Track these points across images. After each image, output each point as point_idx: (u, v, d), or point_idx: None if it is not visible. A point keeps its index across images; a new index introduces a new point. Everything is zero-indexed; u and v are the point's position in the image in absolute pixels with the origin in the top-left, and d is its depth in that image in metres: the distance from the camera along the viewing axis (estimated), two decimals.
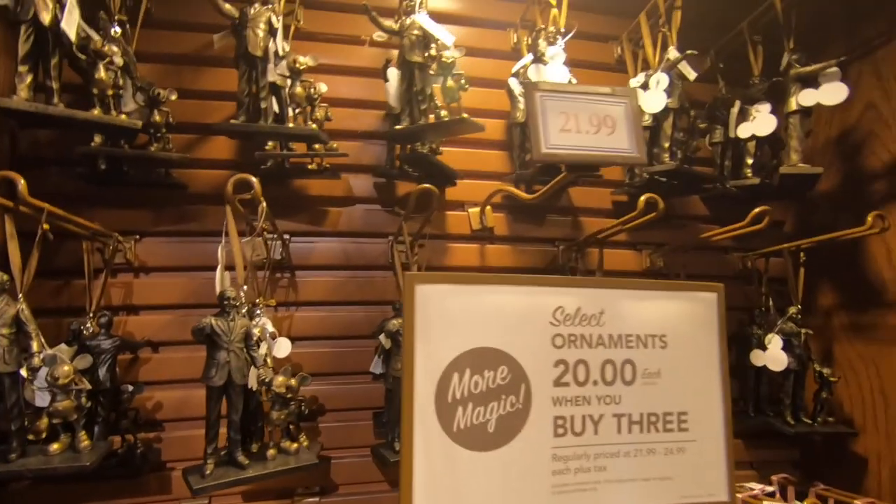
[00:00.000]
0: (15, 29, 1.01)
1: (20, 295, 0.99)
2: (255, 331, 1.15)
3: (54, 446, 1.01)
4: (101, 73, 1.09)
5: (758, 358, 1.57)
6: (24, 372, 0.98)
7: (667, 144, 1.53)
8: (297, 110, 1.30)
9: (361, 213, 1.57)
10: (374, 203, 1.58)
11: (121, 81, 1.16)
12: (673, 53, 1.46)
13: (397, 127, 1.30)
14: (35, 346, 0.99)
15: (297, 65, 1.23)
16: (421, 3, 1.31)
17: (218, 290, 1.10)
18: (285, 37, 1.39)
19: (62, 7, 1.03)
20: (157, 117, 1.32)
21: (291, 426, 1.23)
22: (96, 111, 1.09)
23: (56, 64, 1.05)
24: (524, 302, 0.94)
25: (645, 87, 1.50)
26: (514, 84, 1.53)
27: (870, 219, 1.38)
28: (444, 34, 1.26)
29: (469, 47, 1.60)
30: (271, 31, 1.22)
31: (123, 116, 1.14)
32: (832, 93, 1.42)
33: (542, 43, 1.41)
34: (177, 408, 1.39)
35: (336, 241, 1.56)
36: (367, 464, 1.47)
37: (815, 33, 1.58)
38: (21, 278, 0.99)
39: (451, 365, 0.89)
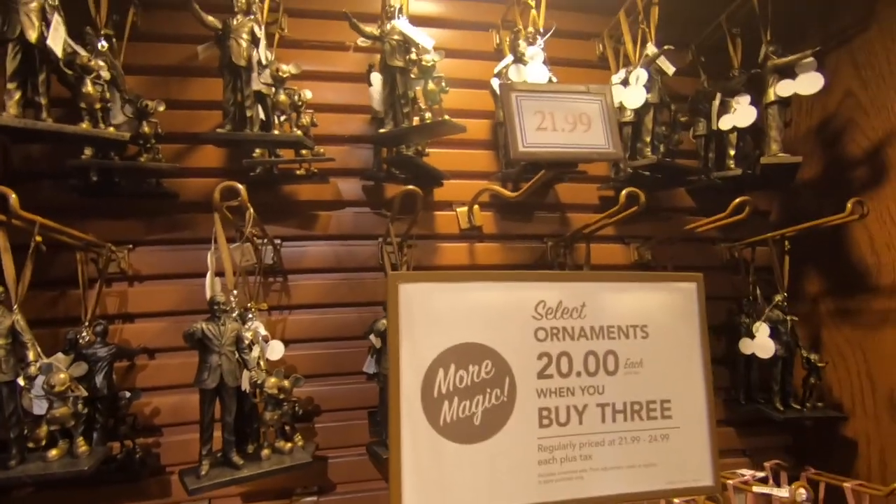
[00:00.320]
0: (2, 47, 1.03)
1: (15, 306, 1.01)
2: (248, 334, 1.17)
3: (53, 452, 1.03)
4: (89, 87, 1.12)
5: (746, 346, 1.60)
6: (21, 381, 1.01)
7: (648, 139, 1.56)
8: (282, 118, 1.33)
9: (351, 217, 1.60)
10: (363, 206, 1.61)
11: (108, 95, 1.19)
12: (651, 49, 1.48)
13: (381, 130, 1.33)
14: (31, 355, 1.01)
15: (281, 73, 1.25)
16: (401, 9, 1.33)
17: (208, 295, 1.12)
18: (270, 45, 1.42)
19: (48, 24, 1.05)
20: (146, 129, 1.35)
21: (287, 427, 1.26)
22: (85, 125, 1.12)
23: (44, 80, 1.08)
24: (506, 297, 0.96)
25: (625, 83, 1.53)
26: (497, 85, 1.55)
27: (849, 205, 1.41)
28: (424, 38, 1.28)
29: (452, 49, 1.63)
30: (254, 41, 1.24)
31: (111, 129, 1.16)
32: (808, 82, 1.45)
33: (521, 43, 1.44)
34: (174, 412, 1.42)
35: (327, 244, 1.58)
36: (364, 462, 1.50)
37: (792, 24, 1.61)
38: (15, 290, 1.01)
39: (436, 361, 0.91)
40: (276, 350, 1.29)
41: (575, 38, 1.77)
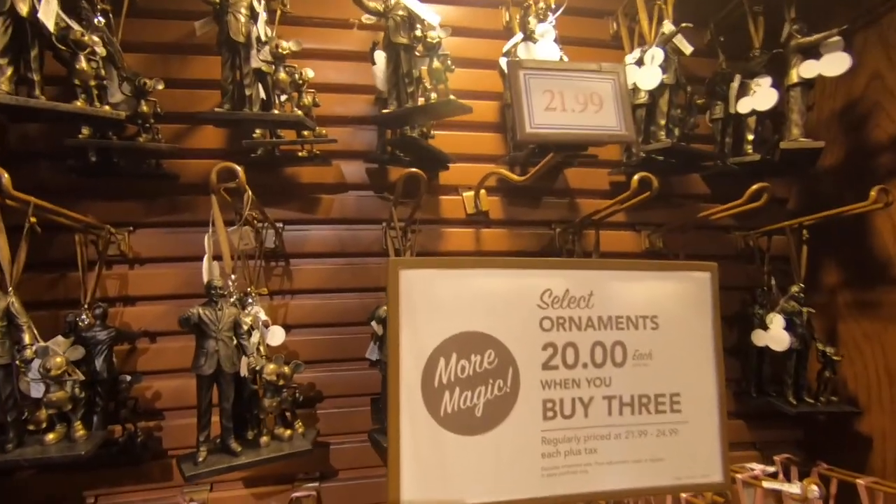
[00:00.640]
0: None
1: (10, 288, 0.99)
2: (248, 319, 1.15)
3: (50, 436, 1.02)
4: (83, 63, 1.09)
5: (759, 338, 1.55)
6: (18, 362, 0.99)
7: (663, 122, 1.49)
8: (283, 97, 1.29)
9: (354, 200, 1.56)
10: (367, 189, 1.57)
11: (103, 72, 1.15)
12: (668, 27, 1.41)
13: (385, 111, 1.28)
14: (27, 338, 0.99)
15: (280, 50, 1.21)
16: None
17: (205, 279, 1.10)
18: (271, 22, 1.37)
19: None
20: (144, 108, 1.31)
21: (287, 413, 1.24)
22: (79, 102, 1.09)
23: (36, 56, 1.04)
24: (511, 285, 0.93)
25: (640, 63, 1.47)
26: (505, 64, 1.49)
27: (873, 193, 1.34)
28: (430, 14, 1.23)
29: (459, 27, 1.58)
30: (253, 16, 1.19)
31: (107, 107, 1.13)
32: (834, 63, 1.38)
33: (531, 20, 1.38)
34: (175, 396, 1.41)
35: (329, 228, 1.55)
36: (366, 449, 1.48)
37: (818, 2, 1.52)
38: (10, 271, 0.99)
39: (437, 350, 0.88)
40: (276, 335, 1.27)
41: (587, 15, 1.70)
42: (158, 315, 1.42)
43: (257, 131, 1.36)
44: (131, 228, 1.43)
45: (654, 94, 1.50)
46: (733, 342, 1.69)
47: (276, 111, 1.24)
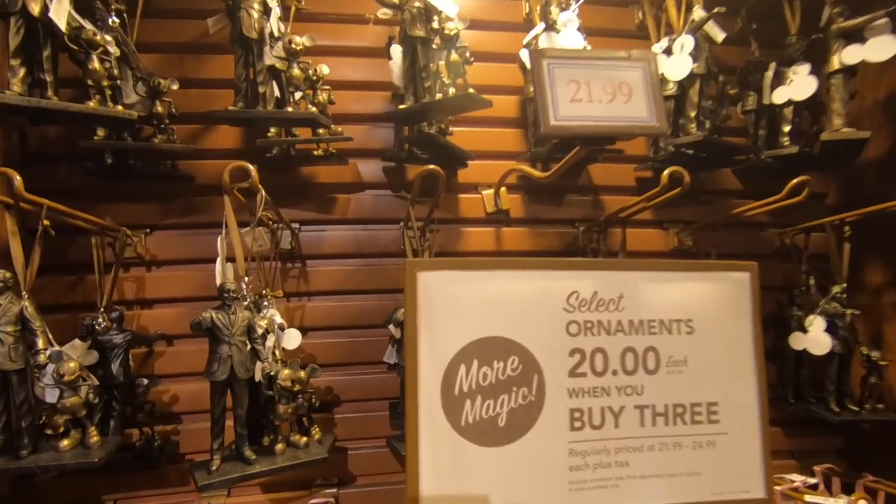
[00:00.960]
0: (5, 22, 0.99)
1: (24, 292, 0.98)
2: (263, 322, 1.12)
3: (64, 442, 1.01)
4: (95, 63, 1.07)
5: (798, 341, 1.47)
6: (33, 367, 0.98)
7: (693, 114, 1.42)
8: (298, 94, 1.26)
9: (371, 199, 1.53)
10: (384, 188, 1.53)
11: (117, 72, 1.14)
12: (698, 13, 1.34)
13: (401, 106, 1.24)
14: (41, 342, 0.98)
15: (294, 45, 1.18)
16: None
17: (218, 282, 1.07)
18: (286, 19, 1.34)
19: None
20: (159, 108, 1.30)
21: (304, 419, 1.21)
22: (92, 103, 1.07)
23: (49, 56, 1.03)
24: (535, 287, 0.87)
25: (668, 52, 1.40)
26: (526, 56, 1.44)
27: None
28: (447, 5, 1.18)
29: (478, 20, 1.53)
30: (266, 12, 1.17)
31: (119, 107, 1.11)
32: (880, 48, 1.28)
33: (553, 9, 1.32)
34: (193, 400, 1.39)
35: (346, 228, 1.52)
36: (385, 455, 1.44)
37: None
38: (24, 275, 0.98)
39: (458, 356, 0.84)
40: (292, 338, 1.24)
41: (611, 4, 1.63)
42: (175, 318, 1.41)
43: (272, 130, 1.33)
44: (148, 230, 1.42)
45: (684, 85, 1.43)
46: (769, 345, 1.60)
47: (290, 109, 1.21)
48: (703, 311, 0.93)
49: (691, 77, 1.39)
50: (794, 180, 1.26)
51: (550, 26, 1.32)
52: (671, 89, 1.44)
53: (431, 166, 1.10)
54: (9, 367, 0.95)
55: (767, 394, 1.57)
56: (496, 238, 1.58)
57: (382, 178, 1.53)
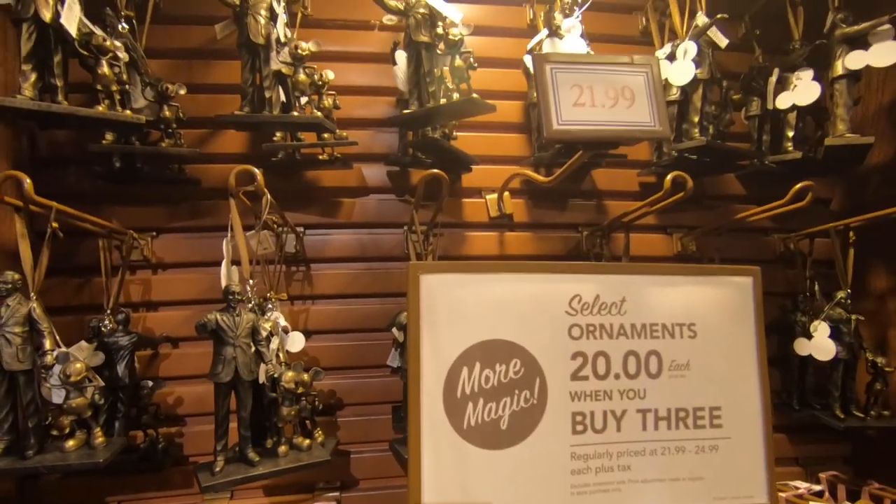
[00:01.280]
0: (17, 28, 1.01)
1: (32, 293, 0.99)
2: (267, 325, 1.13)
3: (70, 443, 1.02)
4: (105, 68, 1.09)
5: (802, 347, 1.46)
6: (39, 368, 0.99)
7: (696, 119, 1.42)
8: (304, 99, 1.27)
9: (375, 204, 1.54)
10: (388, 192, 1.54)
11: (126, 77, 1.15)
12: (701, 19, 1.35)
13: (405, 111, 1.25)
14: (48, 343, 0.99)
15: (300, 51, 1.19)
16: None
17: (223, 284, 1.08)
18: (293, 25, 1.36)
19: (62, 3, 1.02)
20: (167, 113, 1.32)
21: (307, 421, 1.22)
22: (101, 107, 1.09)
23: (59, 61, 1.05)
24: (538, 290, 0.88)
25: (672, 58, 1.40)
26: (530, 62, 1.45)
27: None
28: (451, 11, 1.20)
29: (482, 26, 1.54)
30: (273, 18, 1.18)
31: (128, 112, 1.13)
32: (884, 53, 1.29)
33: (557, 15, 1.33)
34: (197, 402, 1.40)
35: (351, 232, 1.53)
36: (388, 458, 1.44)
37: None
38: (33, 277, 0.99)
39: (460, 359, 0.84)
40: (296, 341, 1.24)
41: (615, 11, 1.64)
42: (181, 320, 1.42)
43: (278, 134, 1.35)
44: (154, 233, 1.43)
45: (687, 91, 1.43)
46: (773, 351, 1.60)
47: (295, 113, 1.22)
48: (705, 315, 0.93)
49: (695, 82, 1.39)
50: (798, 185, 1.25)
51: (554, 32, 1.33)
52: (675, 95, 1.45)
53: (435, 170, 1.11)
54: (16, 367, 0.96)
55: (772, 400, 1.58)
56: (500, 242, 1.58)
57: (387, 183, 1.54)
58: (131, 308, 1.36)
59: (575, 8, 1.35)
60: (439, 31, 1.20)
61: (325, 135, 1.35)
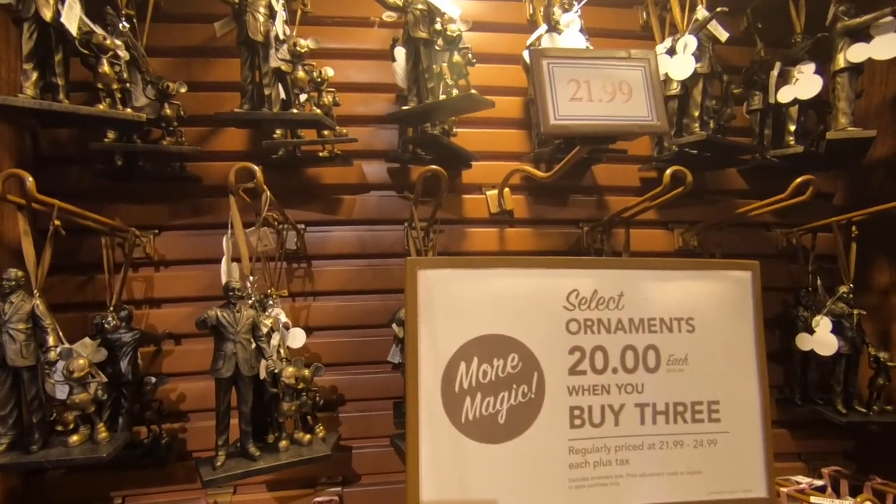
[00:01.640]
0: (18, 27, 1.02)
1: (35, 290, 1.00)
2: (268, 321, 1.13)
3: (74, 438, 1.03)
4: (105, 67, 1.10)
5: (804, 342, 1.45)
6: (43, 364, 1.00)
7: (697, 113, 1.42)
8: (303, 97, 1.27)
9: (376, 200, 1.54)
10: (389, 189, 1.55)
11: (126, 75, 1.16)
12: (702, 13, 1.34)
13: (404, 108, 1.25)
14: (51, 340, 1.00)
15: (299, 48, 1.19)
16: None
17: (223, 281, 1.09)
18: (292, 22, 1.36)
19: (63, 2, 1.03)
20: (168, 111, 1.32)
21: (308, 417, 1.23)
22: (102, 106, 1.10)
23: (60, 60, 1.06)
24: (535, 285, 0.88)
25: (672, 52, 1.40)
26: (528, 54, 1.45)
27: None
28: (450, 6, 1.20)
29: (482, 22, 1.54)
30: (272, 15, 1.19)
31: (129, 110, 1.14)
32: (886, 46, 1.27)
33: (556, 10, 1.33)
34: (199, 398, 1.41)
35: (351, 229, 1.53)
36: (389, 454, 1.45)
37: None
38: (36, 274, 1.00)
39: (458, 353, 0.85)
40: (297, 338, 1.25)
41: (615, 5, 1.63)
42: (183, 317, 1.43)
43: (278, 132, 1.35)
44: (156, 231, 1.44)
45: (688, 85, 1.43)
46: (775, 346, 1.59)
47: (294, 111, 1.22)
48: (704, 309, 0.93)
49: (695, 77, 1.39)
50: (799, 179, 1.25)
51: (553, 27, 1.33)
52: (675, 89, 1.44)
53: (434, 167, 1.11)
54: (20, 363, 0.97)
55: (774, 395, 1.58)
56: (500, 238, 1.58)
57: (387, 179, 1.54)
58: (134, 305, 1.37)
59: (574, 3, 1.34)
60: (438, 27, 1.20)
61: (325, 132, 1.35)
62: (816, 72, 1.42)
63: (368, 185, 1.54)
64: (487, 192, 1.57)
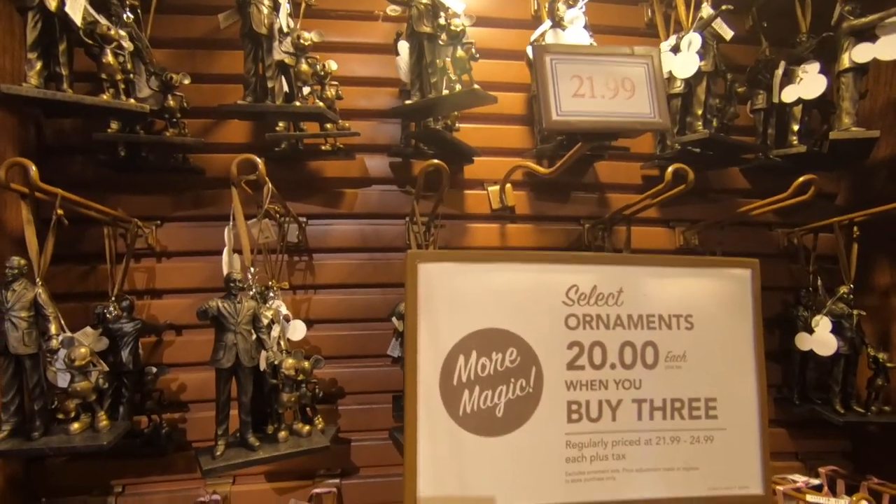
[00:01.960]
0: (23, 16, 1.02)
1: (38, 279, 1.01)
2: (269, 313, 1.14)
3: (75, 426, 1.04)
4: (109, 57, 1.10)
5: (803, 342, 1.46)
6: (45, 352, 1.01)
7: (700, 112, 1.41)
8: (306, 90, 1.28)
9: (377, 195, 1.54)
10: (390, 184, 1.55)
11: (130, 66, 1.16)
12: (706, 11, 1.34)
13: (407, 102, 1.25)
14: (53, 328, 1.01)
15: (302, 41, 1.20)
16: None
17: (224, 272, 1.09)
18: (296, 16, 1.36)
19: None
20: (171, 102, 1.33)
21: (307, 409, 1.23)
22: (105, 96, 1.10)
23: (64, 50, 1.06)
24: (535, 280, 0.88)
25: (676, 50, 1.39)
26: (531, 49, 1.45)
27: None
28: (454, 1, 1.19)
29: (486, 17, 1.54)
30: (276, 8, 1.18)
31: (132, 101, 1.14)
32: (892, 46, 1.27)
33: (560, 6, 1.32)
34: (200, 389, 1.42)
35: (352, 223, 1.53)
36: (388, 447, 1.46)
37: None
38: (38, 262, 1.01)
39: (457, 347, 0.85)
40: (297, 330, 1.26)
41: (619, 2, 1.63)
42: (185, 308, 1.44)
43: (280, 125, 1.35)
44: (158, 222, 1.45)
45: (691, 83, 1.42)
46: (774, 346, 1.60)
47: (297, 103, 1.22)
48: (703, 307, 0.94)
49: (699, 75, 1.38)
50: (801, 178, 1.25)
51: (557, 23, 1.33)
52: (679, 87, 1.44)
53: (436, 161, 1.11)
54: (22, 351, 0.98)
55: (772, 395, 1.58)
56: (501, 235, 1.58)
57: (389, 174, 1.55)
58: (135, 296, 1.37)
59: None
60: (442, 21, 1.20)
61: (328, 125, 1.35)
62: (821, 71, 1.41)
63: (370, 179, 1.54)
64: (489, 188, 1.57)
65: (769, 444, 0.93)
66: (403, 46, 1.32)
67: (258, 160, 1.05)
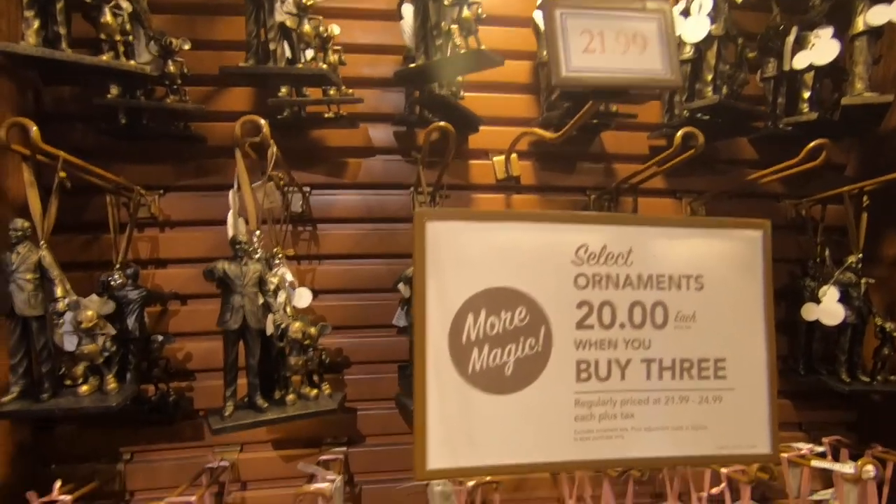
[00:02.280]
0: None
1: (42, 241, 1.00)
2: (274, 279, 1.14)
3: (83, 388, 1.04)
4: (107, 16, 1.08)
5: (810, 312, 1.45)
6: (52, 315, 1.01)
7: (710, 77, 1.39)
8: (309, 53, 1.25)
9: (381, 164, 1.52)
10: (394, 153, 1.53)
11: (129, 28, 1.14)
12: None
13: (411, 65, 1.23)
14: (59, 291, 1.00)
15: (305, 0, 1.17)
16: None
17: (230, 234, 1.09)
18: None
19: None
20: (171, 68, 1.30)
21: (314, 375, 1.23)
22: (105, 57, 1.08)
23: (62, 8, 1.04)
24: (544, 239, 0.87)
25: (686, 13, 1.36)
26: (540, 18, 1.42)
27: None
28: None
29: None
30: None
31: (132, 62, 1.12)
32: None
33: None
34: (206, 358, 1.42)
35: (357, 193, 1.52)
36: (394, 416, 1.47)
37: None
38: (42, 225, 1.00)
39: (466, 305, 0.84)
40: (303, 297, 1.26)
41: None
42: (189, 277, 1.43)
43: (283, 89, 1.33)
44: (161, 191, 1.43)
45: (701, 48, 1.39)
46: (781, 317, 1.59)
47: (300, 65, 1.20)
48: (713, 267, 0.93)
49: (709, 39, 1.36)
50: (812, 143, 1.23)
51: None
52: (688, 53, 1.42)
53: (442, 123, 1.09)
54: (28, 312, 0.98)
55: (778, 365, 1.57)
56: (506, 205, 1.57)
57: (393, 143, 1.53)
58: (139, 265, 1.36)
59: None
60: None
61: (331, 91, 1.33)
62: (834, 36, 1.38)
63: (374, 148, 1.52)
64: (494, 158, 1.55)
65: (777, 404, 0.92)
66: (407, 9, 1.29)
67: (262, 121, 1.03)
